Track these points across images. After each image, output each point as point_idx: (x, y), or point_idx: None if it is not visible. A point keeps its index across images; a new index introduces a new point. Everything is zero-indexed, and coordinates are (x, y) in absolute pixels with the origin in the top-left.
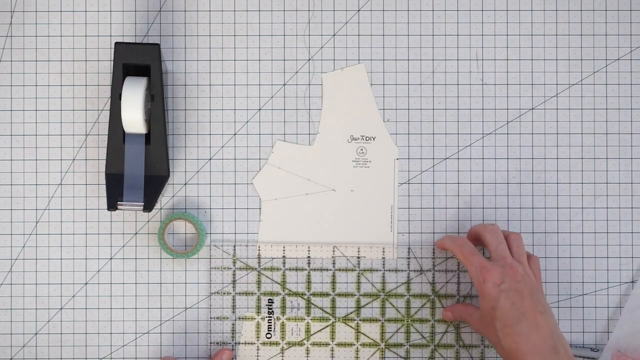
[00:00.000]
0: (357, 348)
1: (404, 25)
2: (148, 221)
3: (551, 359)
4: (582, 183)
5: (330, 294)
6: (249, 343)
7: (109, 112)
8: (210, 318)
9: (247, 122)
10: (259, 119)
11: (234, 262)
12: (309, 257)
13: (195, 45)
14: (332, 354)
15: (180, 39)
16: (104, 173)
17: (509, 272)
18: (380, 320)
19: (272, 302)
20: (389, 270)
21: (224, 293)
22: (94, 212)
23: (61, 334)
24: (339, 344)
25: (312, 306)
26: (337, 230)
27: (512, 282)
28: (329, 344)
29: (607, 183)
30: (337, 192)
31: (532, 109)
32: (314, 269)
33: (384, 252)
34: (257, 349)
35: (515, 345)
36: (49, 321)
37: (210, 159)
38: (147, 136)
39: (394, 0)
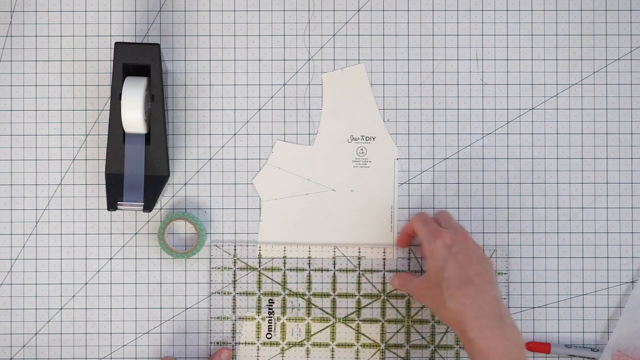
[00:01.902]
0: (358, 349)
1: (404, 25)
2: (148, 221)
3: (497, 325)
4: (582, 183)
5: (330, 295)
6: (249, 343)
7: (109, 112)
8: (211, 318)
9: (247, 122)
10: (259, 119)
11: (235, 262)
12: (309, 257)
13: (195, 45)
14: (333, 354)
15: (180, 39)
16: (104, 173)
17: (460, 238)
18: (380, 320)
19: (273, 303)
20: (390, 271)
21: (224, 293)
22: (94, 212)
23: (61, 334)
24: (339, 345)
25: (313, 306)
26: (337, 231)
27: (463, 247)
28: (329, 345)
29: (607, 183)
30: (337, 192)
31: (532, 109)
32: (315, 270)
33: (384, 252)
34: (258, 349)
35: (462, 307)
36: (49, 321)
37: (210, 159)
38: (147, 136)
39: (394, 0)
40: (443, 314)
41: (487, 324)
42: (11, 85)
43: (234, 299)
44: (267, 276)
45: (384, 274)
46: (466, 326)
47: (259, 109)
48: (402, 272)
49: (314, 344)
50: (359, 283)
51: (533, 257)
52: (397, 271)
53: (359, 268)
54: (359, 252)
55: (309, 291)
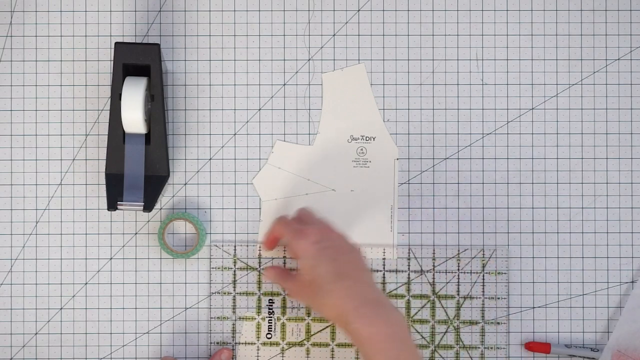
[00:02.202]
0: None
1: (404, 25)
2: (148, 221)
3: (377, 309)
4: (582, 183)
5: None
6: (249, 343)
7: (109, 112)
8: (211, 318)
9: (247, 122)
10: (259, 119)
11: (235, 262)
12: None
13: (195, 45)
14: (333, 354)
15: (180, 39)
16: (104, 173)
17: (325, 231)
18: None
19: (273, 302)
20: (389, 271)
21: (224, 293)
22: (94, 212)
23: (61, 334)
24: (339, 345)
25: None
26: None
27: (330, 240)
28: (329, 345)
29: (607, 183)
30: (337, 192)
31: (532, 109)
32: None
33: (384, 252)
34: (258, 349)
35: (341, 300)
36: (49, 321)
37: (210, 159)
38: (147, 136)
39: (394, 0)
40: (324, 311)
41: (368, 311)
42: (11, 85)
43: (234, 299)
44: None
45: (384, 274)
46: (348, 318)
47: (259, 109)
48: (277, 267)
49: (314, 344)
50: None
51: (533, 257)
52: (397, 271)
53: None
54: None
55: None
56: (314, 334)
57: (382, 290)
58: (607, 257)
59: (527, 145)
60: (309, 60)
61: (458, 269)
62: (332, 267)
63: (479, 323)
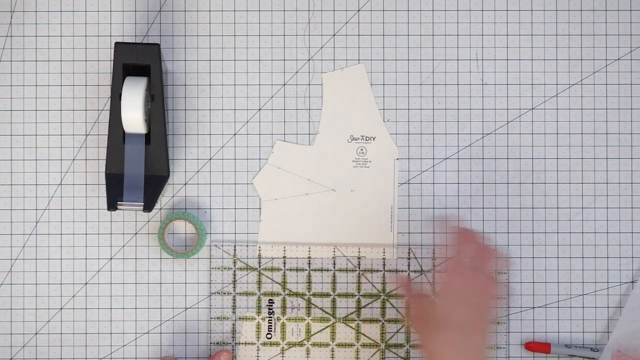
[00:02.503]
0: (358, 348)
1: (404, 25)
2: (148, 221)
3: None
4: (582, 183)
5: (330, 295)
6: (249, 343)
7: (109, 112)
8: (211, 318)
9: (247, 122)
10: (259, 119)
11: (234, 262)
12: (309, 257)
13: (195, 45)
14: (333, 354)
15: (180, 39)
16: (104, 173)
17: (480, 287)
18: (380, 320)
19: (273, 303)
20: (390, 271)
21: (224, 293)
22: (94, 212)
23: (61, 334)
24: (339, 345)
25: (313, 306)
26: (337, 231)
27: (479, 296)
28: (329, 345)
29: (607, 183)
30: (337, 192)
31: (532, 109)
32: (315, 270)
33: (384, 252)
34: (258, 349)
35: (441, 354)
36: (49, 321)
37: (210, 159)
38: (147, 136)
39: (394, 0)
40: (426, 352)
41: None
42: (11, 85)
43: (234, 299)
44: (267, 276)
45: (383, 274)
46: None
47: (259, 109)
48: (411, 283)
49: (314, 344)
50: (359, 283)
51: (533, 257)
52: (397, 271)
53: (359, 268)
54: (359, 252)
55: (309, 291)
56: (314, 334)
57: (488, 349)
58: (607, 257)
59: (527, 145)
60: (309, 60)
61: None
62: (461, 320)
63: None
